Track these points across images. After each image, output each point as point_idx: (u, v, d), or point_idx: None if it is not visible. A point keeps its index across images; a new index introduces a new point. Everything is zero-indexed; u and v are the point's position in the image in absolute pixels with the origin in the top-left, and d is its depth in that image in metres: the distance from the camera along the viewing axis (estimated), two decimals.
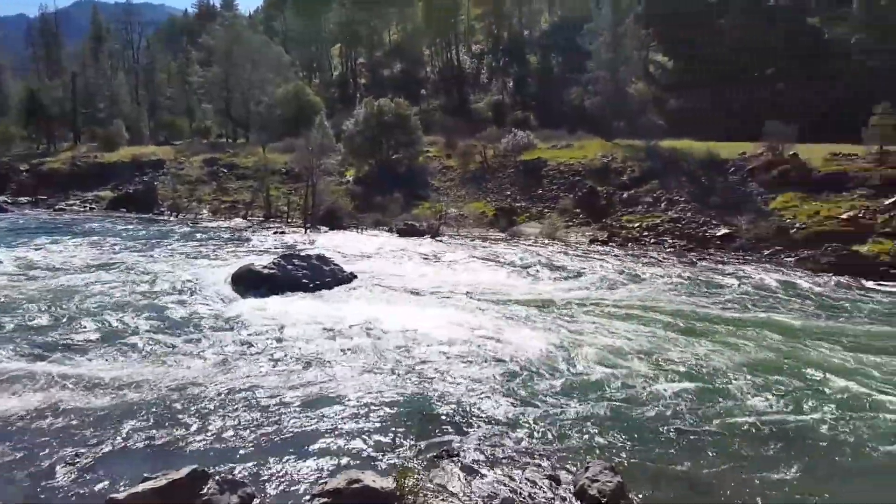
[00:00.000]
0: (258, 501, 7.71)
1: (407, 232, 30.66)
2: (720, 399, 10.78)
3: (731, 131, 35.84)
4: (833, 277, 20.69)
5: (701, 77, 46.18)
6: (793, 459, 8.83)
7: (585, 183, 33.76)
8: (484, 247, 27.45)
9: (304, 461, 8.67)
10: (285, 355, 12.86)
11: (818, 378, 11.64)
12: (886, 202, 24.60)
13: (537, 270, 22.16)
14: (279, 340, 13.79)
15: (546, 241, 28.64)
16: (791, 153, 30.04)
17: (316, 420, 9.90)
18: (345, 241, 28.37)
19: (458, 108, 57.30)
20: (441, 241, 29.29)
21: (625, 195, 32.12)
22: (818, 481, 8.38)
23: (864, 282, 20.13)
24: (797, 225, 25.46)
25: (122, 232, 30.29)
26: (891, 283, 19.87)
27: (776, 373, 11.88)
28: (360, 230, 32.51)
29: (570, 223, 31.21)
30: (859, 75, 39.84)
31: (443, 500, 7.50)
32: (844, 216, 24.71)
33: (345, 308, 16.49)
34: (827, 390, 11.09)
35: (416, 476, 8.04)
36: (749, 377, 11.66)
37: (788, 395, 10.85)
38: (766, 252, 24.67)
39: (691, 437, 9.49)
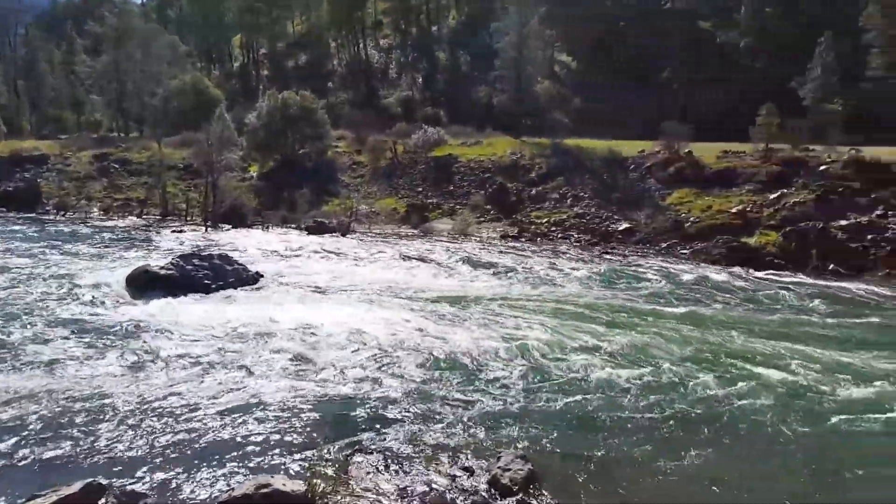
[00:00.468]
0: None
1: (316, 229, 30.00)
2: (627, 387, 11.13)
3: (631, 130, 37.49)
4: (725, 268, 22.04)
5: (603, 77, 48.04)
6: (699, 442, 9.22)
7: (496, 180, 34.29)
8: (396, 244, 27.27)
9: (210, 469, 8.21)
10: (185, 360, 12.17)
11: (721, 363, 12.28)
12: (771, 196, 26.43)
13: (451, 266, 22.24)
14: (178, 345, 13.04)
15: (458, 237, 28.83)
16: (686, 151, 31.72)
17: (221, 427, 9.40)
18: (249, 240, 27.39)
19: (367, 102, 56.75)
20: (352, 238, 28.87)
21: (533, 192, 32.86)
22: (725, 462, 8.79)
23: (752, 271, 21.59)
24: (691, 219, 26.91)
25: (4, 232, 27.87)
26: (775, 272, 21.43)
27: (683, 360, 12.42)
28: (266, 228, 31.51)
29: (482, 219, 31.59)
30: (747, 77, 42.71)
31: (356, 498, 7.31)
32: (734, 210, 26.34)
33: (249, 309, 15.85)
34: (730, 374, 11.69)
35: (328, 477, 7.81)
36: (657, 365, 12.13)
37: (695, 381, 11.36)
38: (664, 245, 25.95)
39: (599, 424, 9.74)
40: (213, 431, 9.25)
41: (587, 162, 33.83)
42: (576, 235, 28.37)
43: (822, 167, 27.03)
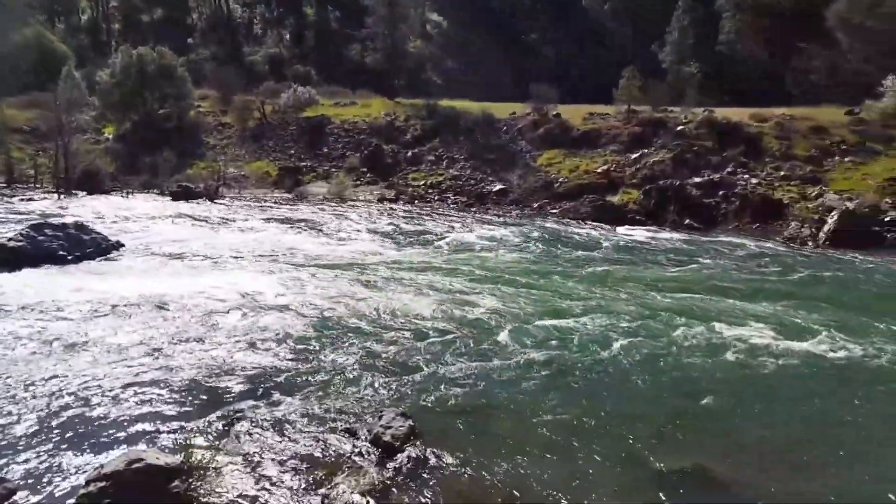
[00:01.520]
0: (25, 494, 6.69)
1: (181, 195, 28.30)
2: (503, 341, 11.60)
3: (502, 91, 38.29)
4: (591, 225, 23.42)
5: (474, 38, 48.48)
6: (577, 391, 9.82)
7: (371, 141, 33.88)
8: (268, 208, 26.37)
9: (78, 449, 7.66)
10: (40, 338, 11.17)
11: (587, 311, 13.08)
12: (633, 157, 28.19)
13: (325, 230, 21.86)
14: (31, 322, 11.92)
15: (335, 201, 28.35)
16: (554, 113, 32.94)
17: (88, 406, 8.75)
18: (108, 207, 25.38)
19: (231, 59, 53.63)
20: (221, 203, 27.54)
21: (409, 154, 32.85)
22: (597, 405, 9.44)
23: (617, 228, 23.15)
24: (560, 179, 28.17)
25: None
26: (637, 228, 23.16)
27: (563, 314, 13.08)
28: (125, 194, 29.32)
29: (358, 182, 31.21)
30: (613, 41, 44.82)
31: (233, 466, 7.15)
32: (599, 170, 27.86)
33: (109, 280, 14.75)
34: (595, 322, 12.49)
35: (204, 447, 7.56)
36: (528, 320, 12.70)
37: (565, 331, 12.02)
38: (536, 205, 27.06)
39: (478, 380, 10.09)
40: (79, 411, 8.60)
41: (461, 123, 34.24)
42: (452, 197, 28.85)
43: (679, 128, 29.11)
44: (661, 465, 7.68)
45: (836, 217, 21.40)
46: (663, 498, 7.10)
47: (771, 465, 7.85)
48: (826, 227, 21.34)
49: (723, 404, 9.41)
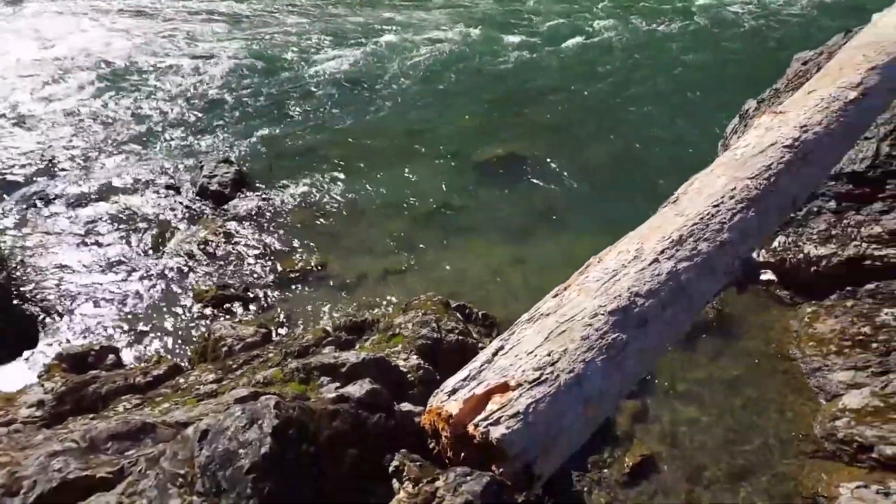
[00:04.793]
0: None
1: None
2: (316, 69, 11.09)
3: None
4: None
5: None
6: (395, 112, 9.89)
7: None
8: None
9: None
10: None
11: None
12: None
13: None
14: None
15: None
16: None
17: None
18: None
19: None
20: None
21: None
22: (428, 121, 9.64)
23: None
24: None
25: None
26: None
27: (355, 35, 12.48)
28: None
29: None
30: None
31: (44, 246, 6.73)
32: None
33: None
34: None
35: (13, 234, 6.95)
36: (326, 46, 12.07)
37: (366, 56, 11.66)
38: None
39: (292, 113, 9.79)
40: None
41: None
42: None
43: None
44: (478, 154, 8.40)
45: None
46: (482, 176, 7.94)
47: (562, 140, 8.81)
48: None
49: (519, 99, 10.06)
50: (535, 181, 7.92)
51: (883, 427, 4.20)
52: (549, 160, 8.25)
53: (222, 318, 5.64)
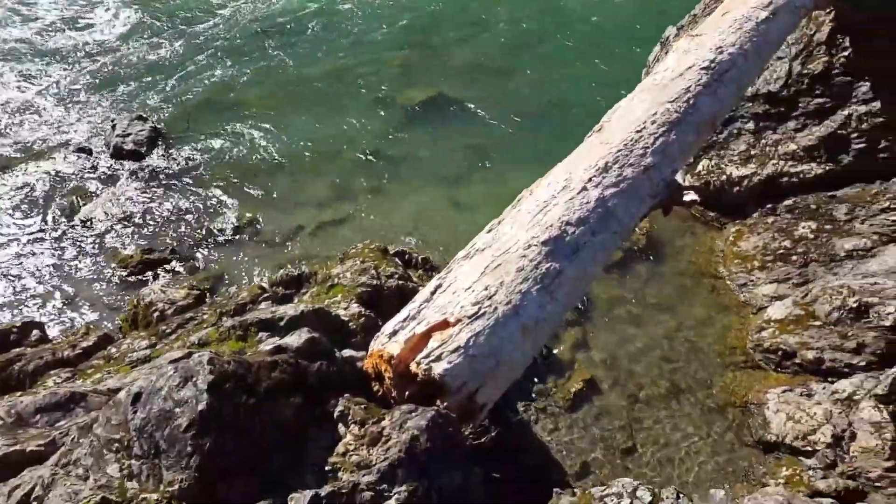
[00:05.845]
0: None
1: None
2: (230, 25, 10.51)
3: None
4: None
5: None
6: (321, 56, 9.51)
7: None
8: None
9: None
10: None
11: None
12: None
13: None
14: None
15: None
16: None
17: None
18: None
19: None
20: None
21: None
22: (351, 63, 9.32)
23: None
24: None
25: None
26: None
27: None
28: None
29: None
30: None
31: None
32: None
33: None
34: None
35: None
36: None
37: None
38: None
39: (204, 68, 9.31)
40: None
41: None
42: None
43: None
44: (404, 97, 8.24)
45: None
46: (409, 120, 7.85)
47: (486, 80, 8.73)
48: None
49: (440, 41, 9.85)
50: (462, 122, 7.85)
51: (804, 334, 4.48)
52: (474, 100, 8.17)
53: (151, 283, 5.43)
